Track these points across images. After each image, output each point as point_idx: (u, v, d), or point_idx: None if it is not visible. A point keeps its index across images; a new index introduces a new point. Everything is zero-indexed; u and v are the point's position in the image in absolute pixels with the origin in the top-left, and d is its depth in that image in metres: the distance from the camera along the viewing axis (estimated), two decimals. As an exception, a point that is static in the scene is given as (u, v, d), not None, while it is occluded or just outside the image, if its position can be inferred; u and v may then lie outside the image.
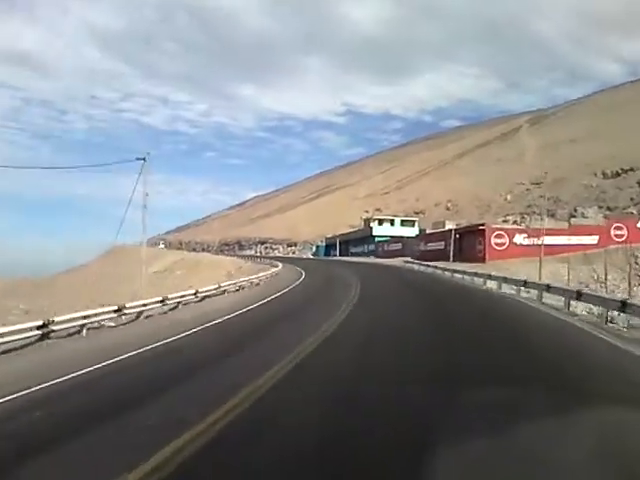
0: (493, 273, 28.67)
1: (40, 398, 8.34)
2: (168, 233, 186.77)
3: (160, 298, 18.61)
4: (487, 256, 44.72)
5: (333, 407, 7.35)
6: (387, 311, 18.56)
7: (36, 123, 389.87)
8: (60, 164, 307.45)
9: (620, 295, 24.21)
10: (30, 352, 12.35)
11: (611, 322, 15.19)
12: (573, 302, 17.59)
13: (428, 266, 42.94)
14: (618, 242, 43.83)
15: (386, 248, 71.56)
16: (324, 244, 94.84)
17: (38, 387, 8.88)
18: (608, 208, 63.67)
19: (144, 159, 23.45)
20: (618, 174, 73.72)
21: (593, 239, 45.61)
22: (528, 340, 12.56)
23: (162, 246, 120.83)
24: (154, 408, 7.57)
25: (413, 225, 78.58)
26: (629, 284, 32.44)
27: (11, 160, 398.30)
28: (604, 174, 76.47)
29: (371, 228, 79.44)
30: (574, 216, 60.34)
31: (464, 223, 59.17)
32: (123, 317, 16.33)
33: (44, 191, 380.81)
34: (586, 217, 59.79)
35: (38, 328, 12.80)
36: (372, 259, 67.78)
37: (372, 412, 7.01)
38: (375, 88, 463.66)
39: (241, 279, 29.75)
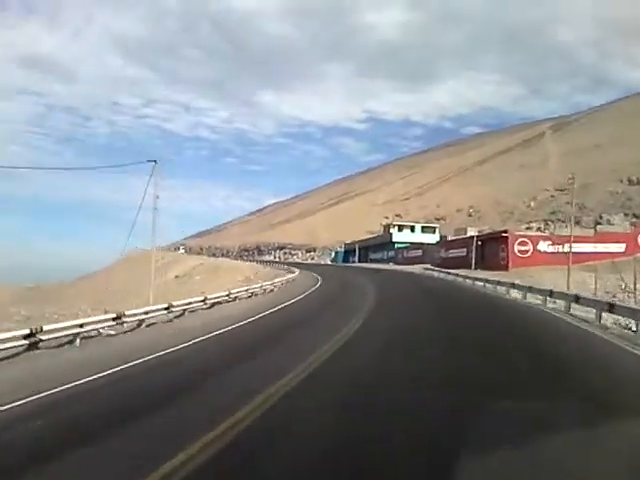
0: (517, 282, 27.59)
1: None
2: (189, 238, 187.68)
3: (165, 305, 17.82)
4: (510, 264, 43.55)
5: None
6: (403, 321, 17.58)
7: (60, 128, 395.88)
8: (84, 172, 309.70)
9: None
10: (9, 365, 11.12)
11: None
12: (604, 314, 16.51)
13: (449, 273, 41.93)
14: (646, 250, 42.35)
15: (406, 255, 70.53)
16: (343, 250, 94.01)
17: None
18: (634, 215, 62.10)
19: (155, 161, 22.88)
20: (645, 181, 71.94)
21: (620, 247, 44.21)
22: (560, 359, 11.54)
23: (182, 251, 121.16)
24: (130, 439, 6.58)
25: (434, 232, 77.43)
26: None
27: (36, 164, 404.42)
28: (630, 180, 74.64)
29: (391, 234, 78.43)
30: (600, 223, 58.90)
31: (486, 230, 58.00)
32: (125, 325, 15.57)
33: (64, 195, 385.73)
34: (612, 224, 58.36)
35: (25, 337, 11.76)
36: (391, 266, 66.79)
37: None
38: (396, 95, 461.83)
39: (253, 286, 28.86)
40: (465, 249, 51.57)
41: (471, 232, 56.29)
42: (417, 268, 53.92)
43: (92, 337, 14.19)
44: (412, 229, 79.35)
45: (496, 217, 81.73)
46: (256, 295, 27.56)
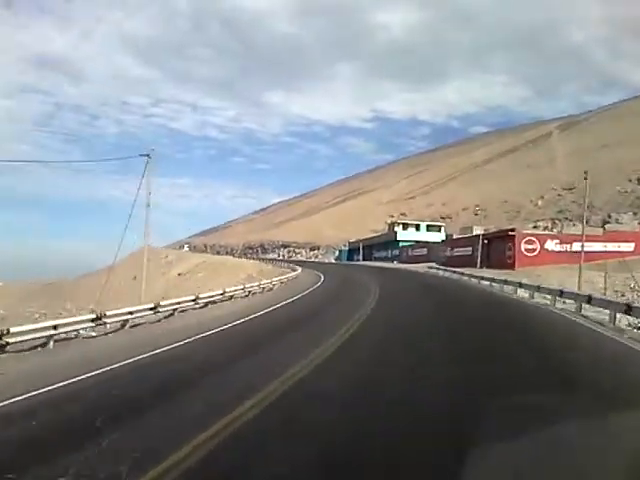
0: (524, 281, 26.65)
1: None
2: (194, 236, 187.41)
3: (151, 305, 16.72)
4: (517, 262, 42.70)
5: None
6: (404, 322, 16.58)
7: (68, 127, 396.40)
8: (89, 166, 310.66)
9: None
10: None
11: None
12: (618, 315, 15.58)
13: (454, 272, 41.08)
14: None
15: (410, 253, 69.69)
16: (347, 248, 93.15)
17: None
18: (643, 214, 61.12)
19: (148, 155, 22.11)
20: (654, 180, 70.94)
21: (629, 246, 43.31)
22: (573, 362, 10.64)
23: (186, 249, 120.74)
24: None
25: (439, 230, 76.60)
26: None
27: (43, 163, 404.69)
28: (639, 180, 73.55)
29: (395, 233, 77.52)
30: (608, 222, 58.00)
31: (492, 229, 57.06)
32: (108, 326, 14.67)
33: (70, 193, 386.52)
34: (620, 223, 57.50)
35: (-11, 341, 10.66)
36: (396, 264, 65.93)
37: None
38: (403, 94, 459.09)
39: (251, 284, 27.81)
40: (471, 248, 50.72)
41: (477, 231, 55.36)
42: (422, 267, 53.07)
43: (71, 339, 13.22)
44: (417, 227, 78.49)
45: (502, 216, 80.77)
46: (254, 294, 26.59)
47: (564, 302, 20.57)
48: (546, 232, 50.83)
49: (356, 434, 6.37)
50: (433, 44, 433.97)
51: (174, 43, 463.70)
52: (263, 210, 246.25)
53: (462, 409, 7.17)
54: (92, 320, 13.74)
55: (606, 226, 52.54)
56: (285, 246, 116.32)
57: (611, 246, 42.44)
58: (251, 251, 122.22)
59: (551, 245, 44.31)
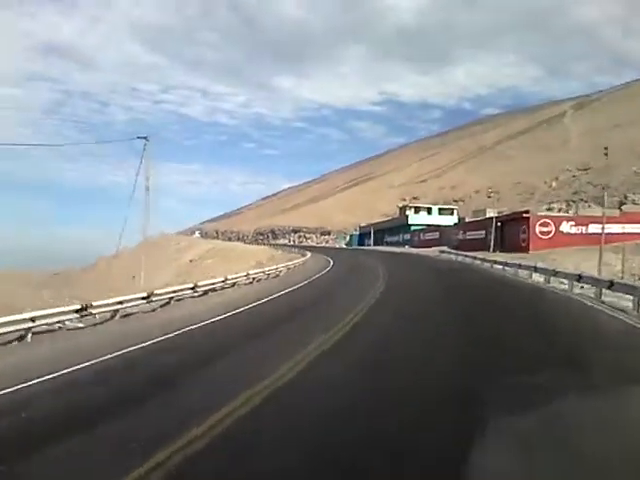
0: (539, 265, 25.66)
1: None
2: (206, 222, 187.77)
3: (144, 294, 15.67)
4: (531, 245, 41.62)
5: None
6: (413, 312, 15.62)
7: (78, 114, 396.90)
8: (100, 154, 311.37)
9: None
10: None
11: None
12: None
13: (466, 256, 40.13)
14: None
15: (422, 237, 68.64)
16: (358, 233, 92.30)
17: None
18: (661, 195, 59.55)
19: (146, 138, 21.36)
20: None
21: (647, 227, 42.10)
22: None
23: (197, 235, 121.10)
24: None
25: (452, 213, 75.39)
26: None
27: (51, 150, 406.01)
28: (656, 160, 71.84)
29: (407, 216, 76.43)
30: (624, 203, 56.59)
31: (506, 211, 55.84)
32: (97, 316, 13.91)
33: (80, 179, 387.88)
34: (637, 204, 56.14)
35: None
36: (407, 249, 65.07)
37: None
38: (414, 77, 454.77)
39: (255, 271, 26.83)
40: (484, 231, 49.67)
41: (490, 213, 54.22)
42: (433, 251, 52.15)
43: (53, 331, 12.40)
44: (429, 211, 77.34)
45: (515, 198, 79.33)
46: (258, 281, 25.76)
47: (582, 287, 19.58)
48: (561, 214, 49.49)
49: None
50: (442, 25, 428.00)
51: (183, 29, 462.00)
52: (274, 196, 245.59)
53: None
54: (76, 311, 12.86)
55: (622, 207, 51.14)
56: (296, 231, 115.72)
57: (629, 228, 41.14)
58: (262, 237, 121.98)
59: (566, 227, 43.12)
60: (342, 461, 5.25)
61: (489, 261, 34.35)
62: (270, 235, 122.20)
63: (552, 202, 67.14)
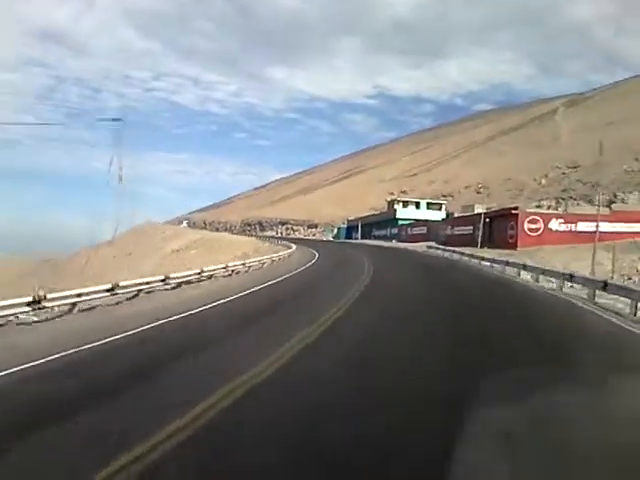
0: (528, 262, 24.93)
1: None
2: (194, 212, 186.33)
3: (108, 286, 14.46)
4: (519, 242, 41.03)
5: None
6: (397, 310, 14.68)
7: (70, 100, 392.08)
8: (91, 141, 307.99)
9: None
10: None
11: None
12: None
13: (453, 252, 39.43)
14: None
15: (410, 232, 68.01)
16: (345, 226, 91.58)
17: None
18: (651, 194, 59.20)
19: (120, 119, 20.29)
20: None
21: (638, 226, 41.59)
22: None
23: (185, 225, 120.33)
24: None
25: (440, 208, 74.92)
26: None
27: (42, 136, 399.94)
28: (647, 158, 71.48)
29: (395, 210, 75.80)
30: (613, 202, 56.23)
31: (495, 207, 55.26)
32: (56, 309, 12.90)
33: (69, 167, 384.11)
34: (626, 203, 55.79)
35: None
36: (394, 243, 64.43)
37: None
38: (407, 71, 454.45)
39: (235, 263, 25.76)
40: (472, 227, 49.07)
41: (479, 209, 53.61)
42: (421, 246, 51.45)
43: (2, 325, 11.36)
44: (417, 205, 76.76)
45: (505, 194, 78.81)
46: (237, 273, 24.77)
47: (571, 286, 18.73)
48: (550, 211, 48.93)
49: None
50: (436, 20, 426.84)
51: (176, 16, 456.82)
52: (263, 187, 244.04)
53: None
54: (29, 304, 11.76)
55: (612, 206, 50.72)
56: (283, 223, 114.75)
57: (619, 226, 40.59)
58: (249, 228, 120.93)
59: (555, 225, 42.56)
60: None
61: (477, 257, 33.66)
62: (258, 226, 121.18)
63: (541, 199, 66.74)
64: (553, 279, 20.44)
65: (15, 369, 8.01)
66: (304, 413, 6.34)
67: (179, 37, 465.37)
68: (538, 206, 58.58)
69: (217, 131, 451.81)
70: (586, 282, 17.56)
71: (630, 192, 60.93)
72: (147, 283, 17.04)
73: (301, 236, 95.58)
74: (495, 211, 49.48)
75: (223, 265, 23.69)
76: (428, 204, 77.19)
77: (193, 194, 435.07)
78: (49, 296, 12.35)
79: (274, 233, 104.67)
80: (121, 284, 15.21)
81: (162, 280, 17.86)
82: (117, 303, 15.12)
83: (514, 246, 40.78)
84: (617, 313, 14.15)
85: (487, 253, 35.36)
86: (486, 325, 12.33)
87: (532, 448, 5.17)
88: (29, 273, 53.11)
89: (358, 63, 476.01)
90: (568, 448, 5.20)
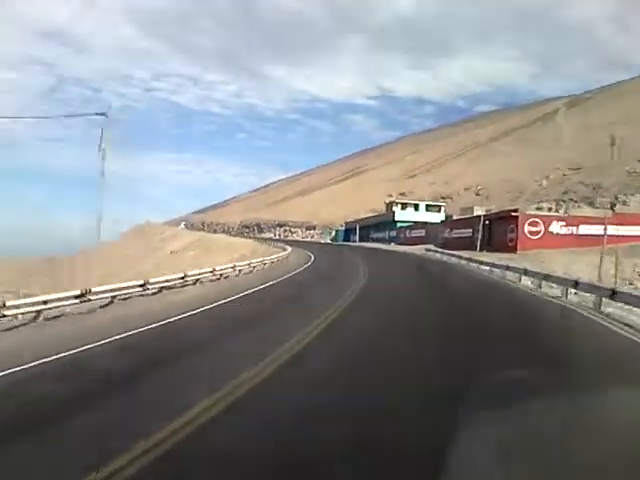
0: (529, 267, 23.87)
1: None
2: (193, 213, 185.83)
3: (77, 292, 13.32)
4: (519, 245, 40.11)
5: None
6: (390, 320, 13.53)
7: (70, 100, 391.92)
8: (91, 140, 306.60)
9: None
10: None
11: None
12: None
13: (452, 255, 38.43)
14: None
15: (408, 234, 67.08)
16: (344, 228, 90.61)
17: None
18: (653, 196, 58.25)
19: (104, 114, 19.46)
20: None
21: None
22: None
23: (183, 226, 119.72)
24: None
25: (439, 210, 74.04)
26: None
27: (47, 137, 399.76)
28: (651, 161, 70.54)
29: (393, 213, 74.82)
30: (614, 204, 55.39)
31: (494, 209, 54.34)
32: (20, 317, 11.86)
33: (70, 166, 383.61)
34: (628, 205, 54.97)
35: None
36: (392, 246, 63.45)
37: None
38: (409, 71, 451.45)
39: (223, 267, 24.58)
40: (471, 229, 48.12)
41: (478, 211, 52.68)
42: (419, 249, 50.48)
43: None
44: (416, 207, 75.80)
45: (505, 196, 77.86)
46: (226, 277, 23.74)
47: (575, 293, 17.49)
48: (551, 213, 47.99)
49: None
50: (439, 21, 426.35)
51: (177, 15, 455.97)
52: (263, 188, 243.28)
53: None
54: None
55: (615, 208, 49.84)
56: (281, 225, 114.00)
57: (623, 230, 39.60)
58: (247, 230, 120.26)
59: (556, 227, 41.62)
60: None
61: (475, 261, 32.65)
62: (256, 228, 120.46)
63: (541, 201, 65.81)
64: (555, 285, 19.32)
65: None
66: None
67: (180, 36, 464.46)
68: (538, 208, 57.65)
69: (217, 131, 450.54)
70: (592, 289, 16.22)
71: (632, 194, 60.01)
72: (124, 288, 15.95)
73: (298, 238, 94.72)
74: (495, 213, 48.58)
75: (210, 269, 22.57)
76: (427, 206, 76.30)
77: (193, 195, 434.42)
78: (8, 304, 11.31)
79: (272, 235, 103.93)
80: (94, 290, 14.12)
81: (141, 285, 16.74)
82: (92, 311, 14.06)
83: (514, 249, 39.86)
84: (628, 325, 12.70)
85: (486, 257, 34.39)
86: (486, 347, 10.40)
87: None
88: (26, 274, 52.25)
89: (360, 63, 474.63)
90: None
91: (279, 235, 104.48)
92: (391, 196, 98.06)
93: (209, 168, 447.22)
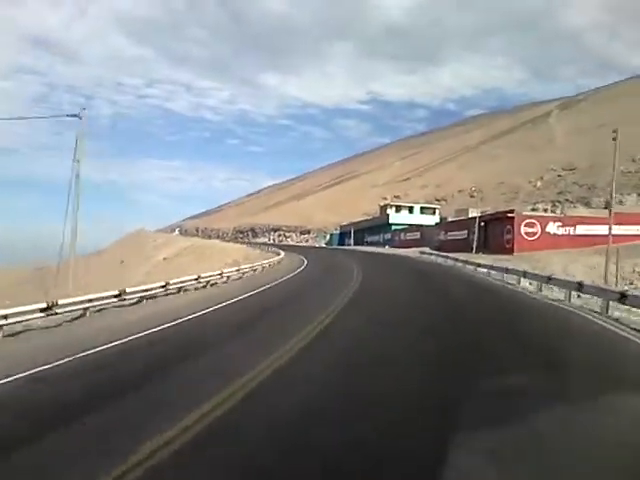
0: (528, 269, 23.21)
1: None
2: (187, 219, 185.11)
3: (43, 305, 12.15)
4: (515, 247, 39.50)
5: None
6: (385, 331, 12.19)
7: (62, 108, 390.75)
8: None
9: None
10: None
11: None
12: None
13: (447, 258, 37.73)
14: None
15: (403, 237, 66.53)
16: (338, 232, 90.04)
17: None
18: (650, 196, 57.99)
19: (77, 116, 18.71)
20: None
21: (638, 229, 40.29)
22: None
23: (177, 232, 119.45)
24: None
25: (434, 213, 73.49)
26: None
27: (39, 144, 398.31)
28: (646, 160, 70.34)
29: (388, 215, 74.29)
30: (610, 204, 55.01)
31: (489, 211, 53.79)
32: None
33: (62, 174, 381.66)
34: (623, 205, 54.58)
35: None
36: (387, 249, 62.87)
37: None
38: (400, 76, 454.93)
39: (210, 274, 23.35)
40: (466, 231, 47.53)
41: (473, 213, 52.08)
42: (414, 252, 49.78)
43: None
44: (410, 210, 75.32)
45: (499, 198, 77.47)
46: (212, 285, 22.87)
47: (578, 296, 16.68)
48: (548, 214, 47.44)
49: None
50: (430, 26, 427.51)
51: (168, 23, 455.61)
52: (256, 193, 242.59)
53: None
54: None
55: (610, 208, 49.40)
56: (275, 230, 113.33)
57: (620, 229, 39.03)
58: (242, 235, 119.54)
59: (553, 228, 41.05)
60: None
61: (472, 263, 31.93)
62: (250, 233, 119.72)
63: (537, 202, 65.35)
64: (556, 288, 18.53)
65: None
66: None
67: (172, 44, 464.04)
68: (534, 209, 57.20)
69: (210, 138, 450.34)
70: (599, 292, 15.12)
71: (628, 194, 59.71)
72: (97, 299, 14.72)
73: (293, 243, 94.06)
74: (490, 214, 47.98)
75: (195, 276, 21.48)
76: (422, 208, 75.81)
77: (186, 201, 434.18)
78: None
79: (266, 240, 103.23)
80: (61, 302, 12.92)
81: (116, 296, 15.58)
82: (58, 325, 12.96)
83: (510, 251, 39.27)
84: (633, 327, 11.94)
85: (482, 259, 33.73)
86: (491, 360, 9.38)
87: None
88: (17, 283, 51.26)
89: (351, 69, 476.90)
90: None
91: (273, 240, 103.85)
92: (385, 199, 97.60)
93: (202, 174, 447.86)
